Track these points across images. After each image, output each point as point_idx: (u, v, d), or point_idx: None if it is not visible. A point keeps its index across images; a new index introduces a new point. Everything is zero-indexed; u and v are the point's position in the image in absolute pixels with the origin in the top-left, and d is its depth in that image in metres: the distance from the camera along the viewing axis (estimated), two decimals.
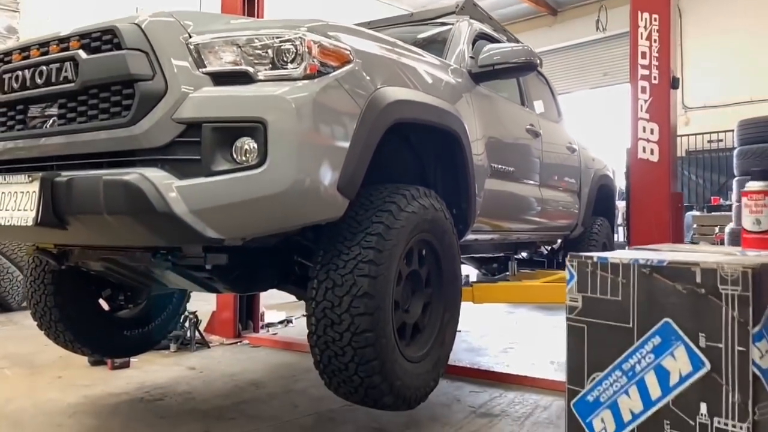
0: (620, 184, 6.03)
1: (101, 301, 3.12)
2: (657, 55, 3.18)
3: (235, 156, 1.89)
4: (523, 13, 12.12)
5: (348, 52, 2.11)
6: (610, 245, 5.24)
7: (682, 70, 10.54)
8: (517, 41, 4.40)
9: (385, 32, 3.70)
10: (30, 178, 2.03)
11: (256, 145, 1.87)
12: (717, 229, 7.71)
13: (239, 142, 1.88)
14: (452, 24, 3.50)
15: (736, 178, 5.87)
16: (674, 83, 3.20)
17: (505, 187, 3.33)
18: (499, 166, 3.22)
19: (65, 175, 1.98)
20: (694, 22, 10.39)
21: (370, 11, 11.27)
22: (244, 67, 1.95)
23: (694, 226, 8.53)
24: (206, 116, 1.88)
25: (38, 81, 2.09)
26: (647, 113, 3.20)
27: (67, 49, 2.06)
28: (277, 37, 1.98)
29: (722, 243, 6.83)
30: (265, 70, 1.96)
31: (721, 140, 10.13)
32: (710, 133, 10.23)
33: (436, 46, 3.35)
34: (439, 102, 2.56)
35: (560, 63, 11.77)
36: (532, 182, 3.74)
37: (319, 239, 2.18)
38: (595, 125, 10.65)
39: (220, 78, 1.95)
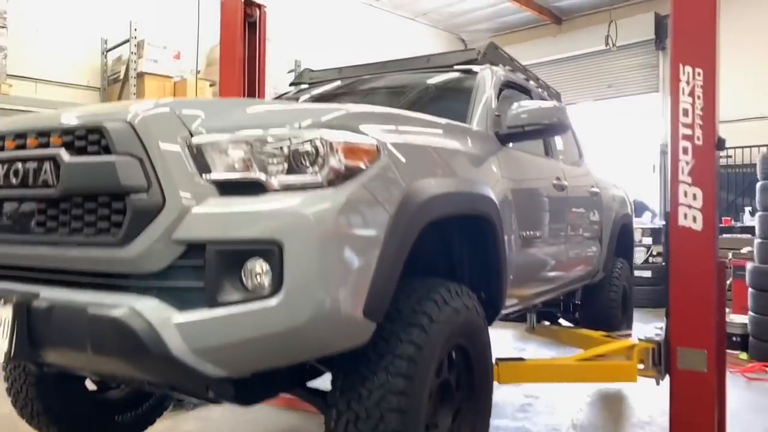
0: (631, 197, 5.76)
1: (87, 382, 2.82)
2: (701, 113, 2.90)
3: (244, 282, 1.60)
4: (526, 21, 11.80)
5: (375, 147, 1.82)
6: (629, 288, 4.98)
7: None
8: (537, 80, 4.12)
9: (400, 76, 3.42)
10: (2, 301, 1.73)
11: (269, 270, 1.58)
12: (730, 255, 7.47)
13: (250, 265, 1.59)
14: (474, 73, 3.21)
15: (759, 213, 5.62)
16: (719, 144, 2.92)
17: (533, 255, 3.05)
18: (528, 233, 2.94)
19: (44, 299, 1.69)
20: None
21: (372, 19, 10.98)
22: (255, 174, 1.66)
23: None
24: (211, 236, 1.59)
25: (12, 181, 1.79)
26: (689, 176, 2.92)
27: (46, 144, 1.76)
28: (294, 137, 1.68)
29: (737, 269, 6.58)
30: (281, 175, 1.66)
31: (731, 156, 9.88)
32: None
33: (457, 96, 3.06)
34: (472, 186, 2.28)
35: (563, 73, 11.47)
36: (559, 241, 3.46)
37: (338, 358, 1.89)
38: (599, 138, 10.39)
39: (228, 187, 1.66)
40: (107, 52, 7.66)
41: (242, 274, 1.59)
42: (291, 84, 3.84)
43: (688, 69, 2.93)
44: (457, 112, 2.88)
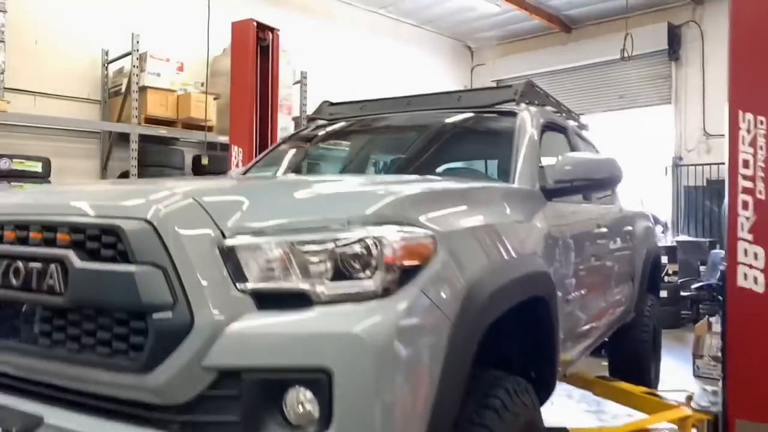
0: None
1: None
2: (763, 165, 2.65)
3: (287, 415, 1.35)
4: (535, 29, 11.54)
5: (432, 240, 1.57)
6: (658, 327, 4.75)
7: (704, 96, 10.08)
8: (570, 112, 3.87)
9: (428, 115, 3.16)
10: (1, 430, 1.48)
11: (316, 401, 1.34)
12: None
13: (293, 395, 1.35)
14: (512, 114, 2.95)
15: None
16: None
17: (576, 317, 2.81)
18: (573, 294, 2.70)
19: (50, 427, 1.44)
20: (718, 45, 9.87)
21: (378, 26, 10.70)
22: (298, 284, 1.41)
23: (721, 268, 8.06)
24: (248, 363, 1.35)
25: (12, 281, 1.54)
26: (750, 234, 2.69)
27: (53, 242, 1.51)
28: (341, 237, 1.43)
29: None
30: (327, 282, 1.42)
31: None
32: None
33: (494, 141, 2.82)
34: (530, 263, 2.04)
35: (573, 83, 11.23)
36: (599, 293, 3.22)
37: None
38: (609, 149, 10.15)
39: (267, 298, 1.41)
40: (108, 64, 7.39)
41: (284, 405, 1.35)
42: (309, 119, 3.58)
43: (749, 116, 2.69)
44: (494, 158, 2.63)
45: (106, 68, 7.42)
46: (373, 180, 2.00)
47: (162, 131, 7.14)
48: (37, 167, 6.09)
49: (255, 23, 4.01)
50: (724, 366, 2.72)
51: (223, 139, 7.54)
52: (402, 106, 3.31)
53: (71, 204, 1.54)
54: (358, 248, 1.43)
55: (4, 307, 1.58)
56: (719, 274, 8.10)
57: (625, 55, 8.94)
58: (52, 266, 1.47)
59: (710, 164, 9.90)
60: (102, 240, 1.43)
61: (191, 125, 7.36)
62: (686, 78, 10.14)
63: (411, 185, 1.83)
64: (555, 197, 2.62)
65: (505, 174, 2.64)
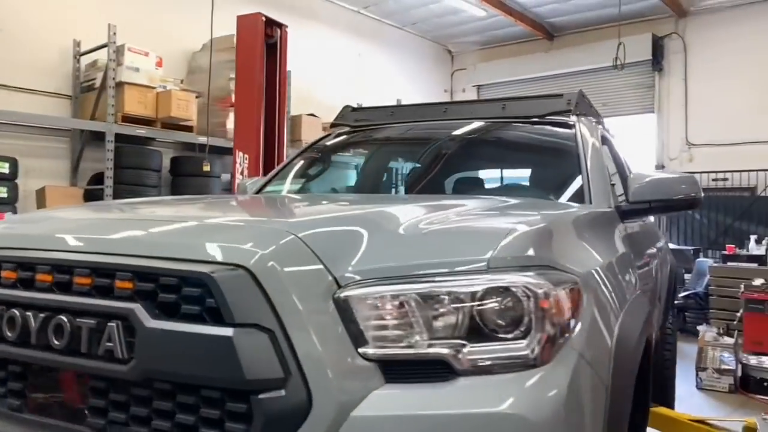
0: None
1: None
2: None
3: None
4: (518, 35, 11.42)
5: (578, 287, 1.29)
6: (675, 343, 4.60)
7: (686, 106, 10.15)
8: (598, 114, 3.65)
9: (467, 125, 2.88)
10: None
11: None
12: (742, 287, 7.21)
13: None
14: (569, 126, 2.69)
15: None
16: None
17: None
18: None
19: None
20: (700, 57, 9.96)
21: (360, 26, 10.39)
22: (437, 348, 1.10)
23: (708, 277, 8.06)
24: None
25: (51, 340, 1.18)
26: None
27: (109, 291, 1.15)
28: (483, 289, 1.13)
29: (749, 302, 6.32)
30: (472, 345, 1.12)
31: (727, 179, 9.74)
32: (716, 172, 9.82)
33: (552, 157, 2.56)
34: (644, 302, 1.78)
35: (554, 91, 11.14)
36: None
37: None
38: None
39: (395, 368, 1.10)
40: (80, 56, 6.84)
41: None
42: (332, 125, 3.25)
43: None
44: (555, 173, 2.37)
45: (78, 61, 6.87)
46: (489, 206, 1.70)
47: (140, 131, 6.66)
48: (5, 168, 5.56)
49: (264, 18, 3.65)
50: None
51: (203, 140, 7.14)
52: (438, 114, 3.01)
53: (132, 240, 1.19)
54: (507, 301, 1.14)
55: (39, 374, 1.22)
56: (705, 282, 8.10)
57: (618, 63, 8.91)
58: (112, 324, 1.12)
59: (693, 173, 9.93)
60: (182, 292, 1.09)
61: (170, 125, 6.91)
62: (669, 88, 10.21)
63: (529, 215, 1.55)
64: (628, 219, 2.37)
65: (569, 192, 2.38)
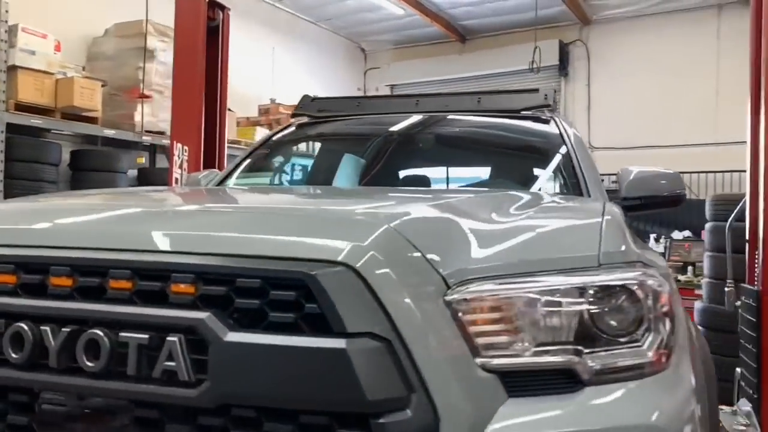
0: None
1: None
2: None
3: None
4: (432, 36, 11.55)
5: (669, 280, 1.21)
6: None
7: (589, 111, 10.71)
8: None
9: (442, 118, 2.78)
10: None
11: None
12: None
13: None
14: (545, 121, 2.66)
15: (708, 253, 5.72)
16: None
17: None
18: None
19: None
20: (601, 63, 10.55)
21: (274, 19, 9.98)
22: (560, 356, 0.97)
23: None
24: None
25: (85, 361, 0.92)
26: None
27: (164, 296, 0.91)
28: (601, 288, 1.02)
29: None
30: (595, 352, 1.00)
31: None
32: (615, 174, 10.41)
33: (539, 148, 2.52)
34: None
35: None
36: None
37: None
38: None
39: (515, 379, 0.95)
40: None
41: None
42: (292, 115, 3.01)
43: None
44: (542, 168, 2.32)
45: None
46: (534, 201, 1.58)
47: (36, 120, 5.98)
48: None
49: None
50: (760, 387, 2.65)
51: (109, 132, 6.56)
52: (410, 107, 2.88)
53: (194, 235, 0.93)
54: (624, 300, 1.03)
55: (53, 406, 0.93)
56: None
57: (534, 66, 9.24)
58: (172, 338, 0.87)
59: None
60: (269, 296, 0.87)
61: (72, 115, 6.27)
62: (574, 93, 10.73)
63: (589, 210, 1.45)
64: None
65: (569, 187, 2.34)
